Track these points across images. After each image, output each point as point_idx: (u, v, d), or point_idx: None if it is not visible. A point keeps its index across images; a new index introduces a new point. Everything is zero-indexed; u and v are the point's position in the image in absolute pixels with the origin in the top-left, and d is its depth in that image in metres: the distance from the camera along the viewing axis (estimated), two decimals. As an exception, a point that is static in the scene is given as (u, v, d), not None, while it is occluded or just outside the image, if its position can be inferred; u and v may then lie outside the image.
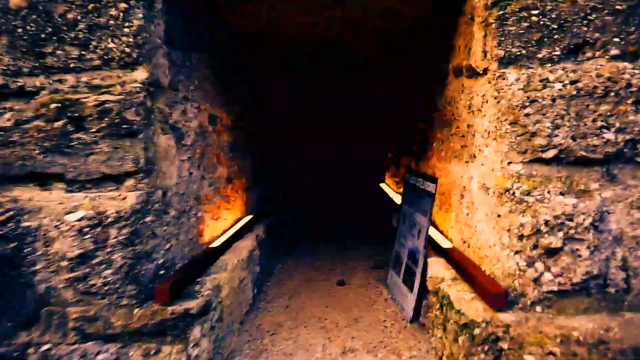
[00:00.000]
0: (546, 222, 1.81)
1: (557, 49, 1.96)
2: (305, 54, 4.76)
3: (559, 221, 1.80)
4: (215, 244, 2.88)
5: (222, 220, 3.30)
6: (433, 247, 3.03)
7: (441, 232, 3.16)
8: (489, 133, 2.14)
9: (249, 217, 4.05)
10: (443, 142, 3.17)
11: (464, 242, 2.57)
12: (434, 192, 2.84)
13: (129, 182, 2.03)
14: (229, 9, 3.13)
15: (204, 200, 2.89)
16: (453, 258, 2.53)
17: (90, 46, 2.05)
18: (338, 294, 3.59)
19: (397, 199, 5.12)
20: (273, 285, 3.81)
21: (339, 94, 7.83)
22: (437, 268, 2.59)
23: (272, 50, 4.51)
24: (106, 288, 1.99)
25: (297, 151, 8.47)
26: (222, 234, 3.24)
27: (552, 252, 1.80)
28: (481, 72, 2.24)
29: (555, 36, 1.97)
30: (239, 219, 3.88)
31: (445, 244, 2.81)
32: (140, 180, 2.04)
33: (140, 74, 2.06)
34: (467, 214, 2.51)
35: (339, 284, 3.82)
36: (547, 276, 1.80)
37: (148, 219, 2.07)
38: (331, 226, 6.39)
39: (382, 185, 6.79)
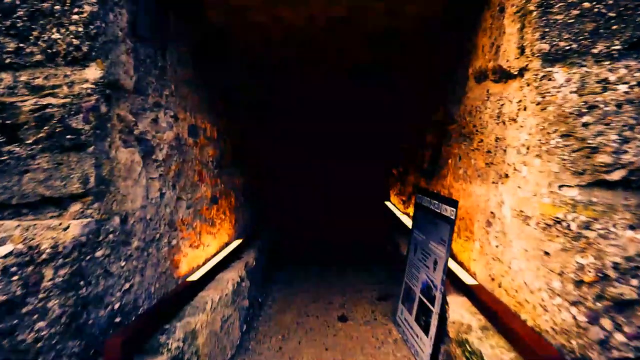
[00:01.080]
0: (615, 266, 1.39)
1: (616, 42, 1.57)
2: (288, 57, 4.39)
3: (633, 264, 1.38)
4: (193, 278, 2.46)
5: (204, 248, 2.88)
6: (452, 281, 2.60)
7: (460, 263, 2.73)
8: (528, 148, 1.74)
9: (238, 241, 3.63)
10: (461, 158, 2.77)
11: (493, 279, 2.15)
12: (453, 217, 2.43)
13: (75, 208, 1.62)
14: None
15: (180, 225, 2.48)
16: (480, 299, 2.10)
17: (31, 37, 1.66)
18: (339, 332, 3.15)
19: (405, 219, 4.70)
20: (265, 321, 3.36)
21: (336, 104, 7.48)
22: (460, 311, 2.16)
23: (245, 50, 4.15)
24: (39, 345, 1.56)
25: (292, 168, 8.10)
26: (204, 263, 2.81)
27: (624, 306, 1.38)
28: (516, 73, 1.85)
29: (614, 27, 1.58)
30: (227, 244, 3.45)
31: (467, 279, 2.39)
32: (89, 204, 1.63)
33: (93, 72, 1.67)
34: (497, 246, 2.09)
35: (340, 319, 3.38)
36: (619, 338, 1.37)
37: (99, 253, 1.65)
38: (331, 249, 5.95)
39: (387, 203, 6.37)
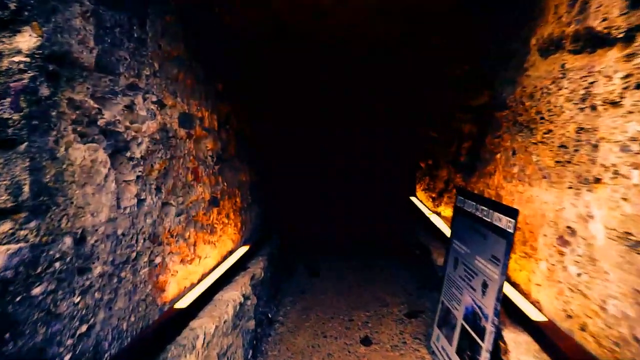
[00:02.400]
0: None
1: None
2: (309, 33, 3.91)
3: None
4: (181, 304, 2.03)
5: (200, 262, 2.45)
6: (506, 309, 2.11)
7: (513, 284, 2.24)
8: (643, 143, 1.23)
9: (244, 249, 3.20)
10: (516, 153, 2.26)
11: (570, 316, 1.66)
12: (511, 231, 1.93)
13: (2, 228, 1.20)
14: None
15: (167, 238, 2.05)
16: (554, 345, 1.61)
17: (-58, -8, 1.23)
18: (363, 359, 2.70)
19: (435, 219, 4.20)
20: (275, 343, 2.94)
21: (358, 84, 6.97)
22: (526, 358, 1.68)
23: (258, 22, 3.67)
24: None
25: (306, 156, 7.64)
26: (199, 281, 2.39)
27: None
28: (619, 36, 1.34)
29: None
30: (231, 252, 3.03)
31: (531, 311, 1.90)
32: (22, 224, 1.20)
33: (27, 39, 1.23)
34: (579, 275, 1.59)
35: (363, 342, 2.93)
36: None
37: (37, 290, 1.23)
38: (350, 250, 5.49)
39: (413, 199, 5.86)
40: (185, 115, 2.35)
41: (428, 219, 4.54)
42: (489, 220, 2.15)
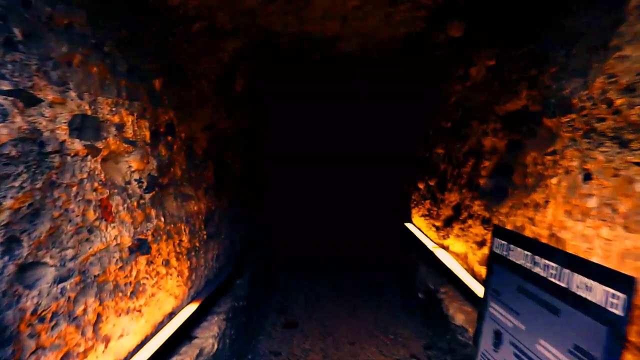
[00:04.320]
0: None
1: None
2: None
3: None
4: None
5: (108, 348, 1.62)
6: None
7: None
8: None
9: (192, 307, 2.37)
10: (592, 177, 1.54)
11: None
12: (621, 314, 1.18)
13: None
14: None
15: (31, 325, 1.23)
16: None
17: None
18: None
19: (443, 256, 3.45)
20: None
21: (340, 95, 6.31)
22: None
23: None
24: None
25: (285, 158, 6.89)
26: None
27: None
28: None
29: None
30: (171, 316, 2.20)
31: None
32: None
33: None
34: None
35: None
36: None
37: None
38: (338, 289, 4.69)
39: (409, 226, 5.12)
40: (85, 119, 1.55)
41: (432, 253, 3.79)
42: (564, 285, 1.40)
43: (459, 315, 2.57)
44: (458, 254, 3.33)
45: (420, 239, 4.37)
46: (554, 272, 1.46)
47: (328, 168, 7.60)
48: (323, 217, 7.33)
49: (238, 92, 4.05)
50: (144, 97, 2.03)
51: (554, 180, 1.82)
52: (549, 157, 1.88)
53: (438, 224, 3.96)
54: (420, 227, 4.78)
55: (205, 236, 2.87)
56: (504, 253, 1.81)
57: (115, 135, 1.77)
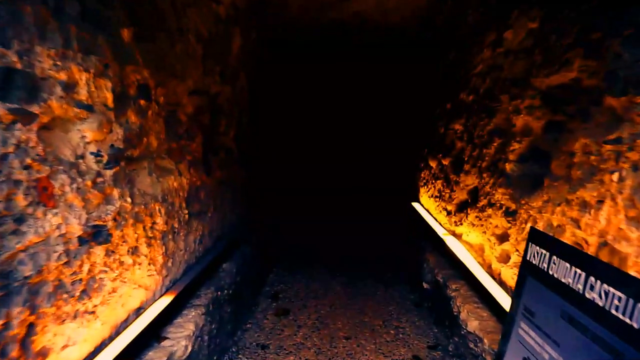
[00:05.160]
0: None
1: None
2: None
3: None
4: None
5: (45, 362, 1.32)
6: None
7: None
8: None
9: (166, 300, 2.07)
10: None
11: None
12: None
13: None
14: None
15: None
16: None
17: None
18: None
19: (455, 245, 3.14)
20: None
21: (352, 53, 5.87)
22: None
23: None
24: None
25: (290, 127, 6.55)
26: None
27: None
28: None
29: None
30: (139, 311, 1.90)
31: None
32: None
33: None
34: None
35: None
36: None
37: None
38: (336, 270, 4.41)
39: (416, 206, 4.79)
40: (12, 75, 1.18)
41: (442, 240, 3.47)
42: (634, 325, 1.06)
43: (473, 321, 2.26)
44: (472, 245, 3.01)
45: (429, 222, 4.04)
46: (618, 303, 1.12)
47: (333, 142, 7.20)
48: (326, 197, 7.01)
49: (235, 54, 3.63)
50: (105, 50, 1.64)
51: (614, 177, 1.46)
52: (608, 147, 1.50)
53: (450, 207, 3.62)
54: (428, 209, 4.45)
55: (186, 216, 2.54)
56: (543, 265, 1.46)
57: (61, 97, 1.40)
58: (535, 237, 1.56)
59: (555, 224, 1.86)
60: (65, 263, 1.41)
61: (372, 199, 6.75)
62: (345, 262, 4.65)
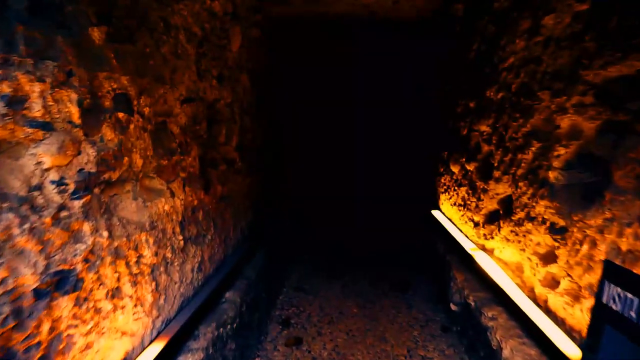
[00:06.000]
0: None
1: None
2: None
3: None
4: None
5: None
6: None
7: None
8: None
9: (155, 349, 1.77)
10: None
11: None
12: None
13: None
14: None
15: None
16: None
17: None
18: None
19: (486, 262, 2.82)
20: None
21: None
22: None
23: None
24: None
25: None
26: None
27: None
28: None
29: None
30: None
31: None
32: None
33: None
34: None
35: None
36: None
37: None
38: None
39: (437, 214, 4.46)
40: None
41: (469, 255, 3.15)
42: None
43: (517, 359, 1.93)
44: (507, 263, 2.68)
45: (453, 233, 3.72)
46: None
47: (345, 142, 6.89)
48: (339, 201, 6.70)
49: (235, 54, 3.34)
50: (67, 54, 1.36)
51: None
52: None
53: (477, 218, 3.29)
54: (451, 218, 4.11)
55: (181, 242, 2.24)
56: (631, 314, 1.14)
57: (4, 116, 1.11)
58: (614, 273, 1.24)
59: (624, 248, 1.53)
60: (15, 327, 1.12)
61: (387, 204, 6.42)
62: (359, 275, 4.33)
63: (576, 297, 1.88)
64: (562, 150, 2.05)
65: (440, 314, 3.43)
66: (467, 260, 3.24)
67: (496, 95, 2.90)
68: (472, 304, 2.73)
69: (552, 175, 2.12)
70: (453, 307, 3.14)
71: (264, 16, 4.18)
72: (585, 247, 1.79)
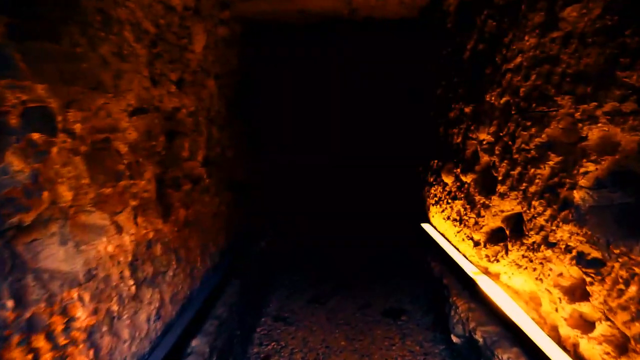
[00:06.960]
0: None
1: None
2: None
3: None
4: None
5: None
6: None
7: None
8: None
9: None
10: None
11: None
12: None
13: None
14: None
15: None
16: None
17: None
18: None
19: (491, 289, 2.50)
20: None
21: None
22: None
23: None
24: None
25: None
26: None
27: None
28: None
29: None
30: None
31: None
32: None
33: None
34: None
35: None
36: None
37: None
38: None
39: (428, 229, 4.14)
40: None
41: (471, 279, 2.83)
42: None
43: None
44: (519, 292, 2.37)
45: (448, 251, 3.40)
46: None
47: (327, 145, 6.52)
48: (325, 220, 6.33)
49: (199, 56, 2.94)
50: None
51: None
52: None
53: (478, 237, 2.97)
54: (444, 233, 3.80)
55: (133, 288, 1.83)
56: None
57: None
58: None
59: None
60: None
61: (374, 219, 6.09)
62: (346, 299, 3.97)
63: (621, 349, 1.56)
64: (591, 167, 1.74)
65: (439, 345, 3.10)
66: (468, 285, 2.92)
67: (499, 100, 2.59)
68: (480, 340, 2.39)
69: (577, 195, 1.80)
70: (455, 339, 2.80)
71: (235, 15, 3.78)
72: (633, 289, 1.47)
